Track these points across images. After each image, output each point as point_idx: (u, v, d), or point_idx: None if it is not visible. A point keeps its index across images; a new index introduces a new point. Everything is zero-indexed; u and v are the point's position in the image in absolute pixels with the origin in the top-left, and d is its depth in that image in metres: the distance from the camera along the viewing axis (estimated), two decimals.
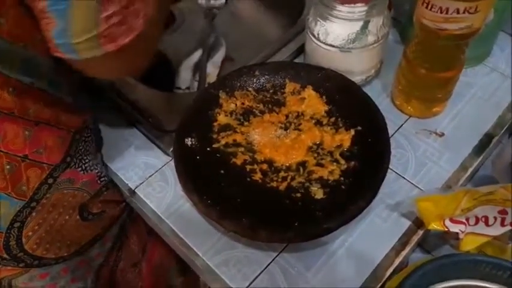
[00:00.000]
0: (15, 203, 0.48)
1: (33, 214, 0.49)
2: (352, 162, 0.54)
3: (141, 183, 0.59)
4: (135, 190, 0.59)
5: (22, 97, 0.44)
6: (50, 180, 0.49)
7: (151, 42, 0.47)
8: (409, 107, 0.63)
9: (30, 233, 0.50)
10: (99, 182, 0.57)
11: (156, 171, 0.61)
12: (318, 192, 0.52)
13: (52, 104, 0.48)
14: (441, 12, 0.50)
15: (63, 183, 0.51)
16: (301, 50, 0.70)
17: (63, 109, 0.49)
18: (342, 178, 0.53)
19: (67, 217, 0.53)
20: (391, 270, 0.52)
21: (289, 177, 0.54)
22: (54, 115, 0.48)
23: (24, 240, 0.50)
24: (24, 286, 0.56)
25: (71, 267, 0.57)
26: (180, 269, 0.93)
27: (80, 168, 0.53)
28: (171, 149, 0.60)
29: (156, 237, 0.76)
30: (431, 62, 0.57)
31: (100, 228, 0.61)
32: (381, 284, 0.51)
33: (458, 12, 0.49)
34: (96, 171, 0.56)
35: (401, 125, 0.63)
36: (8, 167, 0.46)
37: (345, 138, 0.56)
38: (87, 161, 0.54)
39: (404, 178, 0.58)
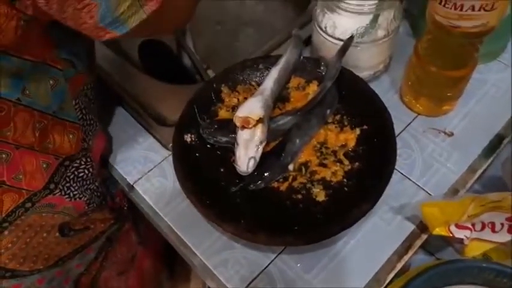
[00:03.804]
0: None
1: (5, 233, 0.47)
2: (356, 163, 0.52)
3: (139, 178, 0.58)
4: (134, 185, 0.58)
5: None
6: (28, 205, 0.47)
7: None
8: (418, 105, 0.61)
9: (2, 251, 0.48)
10: (86, 207, 0.54)
11: (155, 166, 0.59)
12: (320, 194, 0.50)
13: (39, 126, 0.45)
14: (455, 9, 0.48)
15: (43, 208, 0.48)
16: (307, 42, 0.67)
17: (52, 132, 0.47)
18: (344, 180, 0.51)
19: (45, 235, 0.51)
20: (392, 274, 0.50)
21: (291, 177, 0.52)
22: (40, 139, 0.45)
23: None
24: None
25: (47, 278, 0.55)
26: (170, 273, 0.92)
27: (66, 196, 0.50)
28: (171, 143, 0.58)
29: (146, 246, 0.74)
30: (443, 60, 0.55)
31: (83, 242, 0.58)
32: None
33: (473, 10, 0.47)
34: (85, 198, 0.53)
35: (409, 123, 0.61)
36: None
37: (350, 137, 0.54)
38: (75, 188, 0.51)
39: (409, 179, 0.56)
